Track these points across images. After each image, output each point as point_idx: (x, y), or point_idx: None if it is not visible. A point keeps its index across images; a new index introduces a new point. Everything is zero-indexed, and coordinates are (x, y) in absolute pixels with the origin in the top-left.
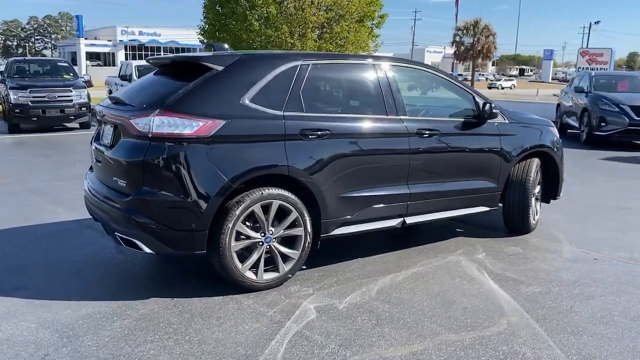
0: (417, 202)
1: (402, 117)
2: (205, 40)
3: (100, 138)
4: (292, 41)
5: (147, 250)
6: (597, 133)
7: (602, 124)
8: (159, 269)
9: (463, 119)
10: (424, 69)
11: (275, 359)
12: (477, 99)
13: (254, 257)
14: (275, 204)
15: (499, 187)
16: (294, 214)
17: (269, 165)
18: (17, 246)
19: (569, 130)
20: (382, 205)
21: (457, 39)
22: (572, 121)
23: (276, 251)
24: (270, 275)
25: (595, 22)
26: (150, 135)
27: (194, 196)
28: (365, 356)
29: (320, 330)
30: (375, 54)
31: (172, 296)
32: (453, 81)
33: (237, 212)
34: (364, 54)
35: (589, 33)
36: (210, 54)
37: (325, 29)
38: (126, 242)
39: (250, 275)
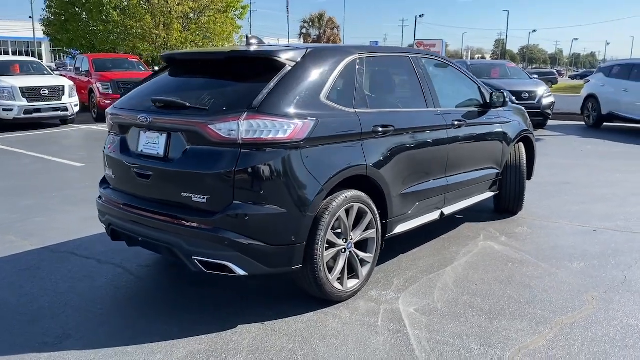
0: (451, 193)
1: (438, 108)
2: (50, 33)
3: (130, 148)
4: (157, 32)
5: (241, 272)
6: None
7: None
8: (209, 294)
9: (476, 108)
10: (441, 59)
11: None
12: (482, 88)
13: (340, 266)
14: (355, 207)
15: (501, 172)
16: (369, 216)
17: (353, 165)
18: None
19: None
20: (429, 198)
21: (304, 31)
22: None
23: (355, 257)
24: (351, 283)
25: (420, 16)
26: (240, 142)
27: (293, 206)
28: (517, 352)
29: (449, 334)
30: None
31: (259, 320)
32: (462, 71)
33: (327, 219)
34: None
35: (415, 25)
36: (273, 46)
37: (191, 20)
38: (209, 267)
39: (337, 285)
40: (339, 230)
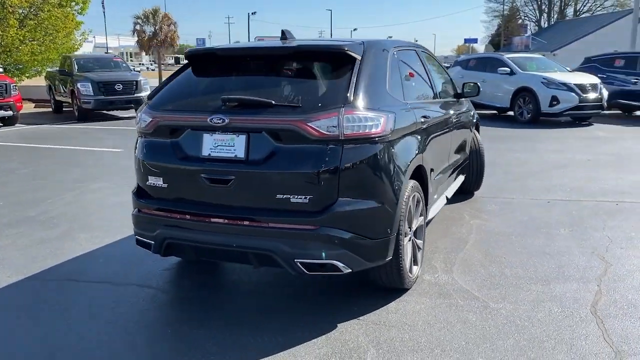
0: (450, 178)
1: (442, 99)
2: None
3: (187, 152)
4: None
5: (346, 270)
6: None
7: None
8: (268, 302)
9: (455, 98)
10: (429, 53)
11: None
12: (453, 80)
13: (410, 254)
14: (416, 196)
15: (469, 157)
16: (422, 204)
17: (417, 156)
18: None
19: None
20: (442, 184)
21: (138, 27)
22: None
23: (416, 244)
24: (414, 270)
25: (252, 13)
26: (342, 138)
27: (388, 199)
28: (593, 309)
29: (526, 302)
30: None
31: (351, 317)
32: (441, 63)
33: (405, 209)
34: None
35: (248, 22)
36: (335, 40)
37: (28, 15)
38: (311, 268)
39: (408, 273)
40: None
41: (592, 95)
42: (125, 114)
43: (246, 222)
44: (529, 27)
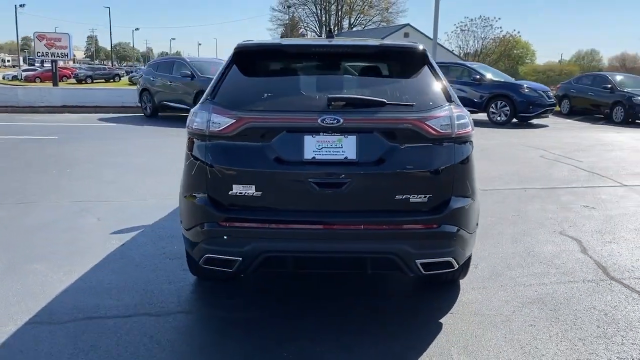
0: None
1: None
2: None
3: (282, 156)
4: None
5: (456, 265)
6: None
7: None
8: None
9: None
10: None
11: None
12: None
13: None
14: None
15: None
16: None
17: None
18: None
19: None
20: None
21: None
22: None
23: None
24: None
25: (20, 5)
26: (454, 136)
27: (476, 193)
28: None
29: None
30: None
31: (469, 312)
32: None
33: None
34: None
35: (16, 16)
36: (401, 42)
37: None
38: (428, 267)
39: None
40: None
41: None
42: None
43: (363, 226)
44: (310, 37)
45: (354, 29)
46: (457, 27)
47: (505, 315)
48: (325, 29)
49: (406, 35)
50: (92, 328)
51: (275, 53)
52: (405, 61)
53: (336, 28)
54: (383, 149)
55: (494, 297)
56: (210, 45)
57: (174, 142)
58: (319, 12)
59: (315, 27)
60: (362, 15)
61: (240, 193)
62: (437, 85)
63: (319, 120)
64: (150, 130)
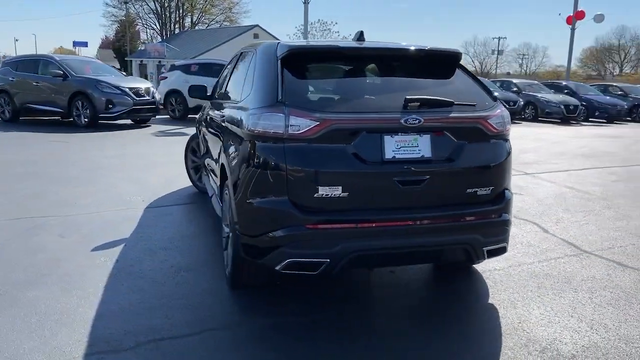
0: None
1: None
2: None
3: (364, 157)
4: None
5: (507, 249)
6: (103, 115)
7: (110, 105)
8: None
9: None
10: None
11: None
12: None
13: None
14: None
15: None
16: None
17: None
18: None
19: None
20: None
21: None
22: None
23: None
24: None
25: None
26: (504, 133)
27: None
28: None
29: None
30: None
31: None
32: None
33: None
34: None
35: None
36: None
37: None
38: (491, 253)
39: None
40: None
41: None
42: None
43: (442, 220)
44: (148, 34)
45: (197, 27)
46: (298, 30)
47: (533, 287)
48: (167, 27)
49: (256, 36)
50: (169, 349)
51: (330, 55)
52: (447, 64)
53: (177, 26)
54: (452, 146)
55: (512, 275)
56: (29, 41)
57: (62, 148)
58: (158, 9)
59: (155, 25)
60: (204, 14)
61: (326, 195)
62: (482, 86)
63: (401, 121)
64: (20, 137)
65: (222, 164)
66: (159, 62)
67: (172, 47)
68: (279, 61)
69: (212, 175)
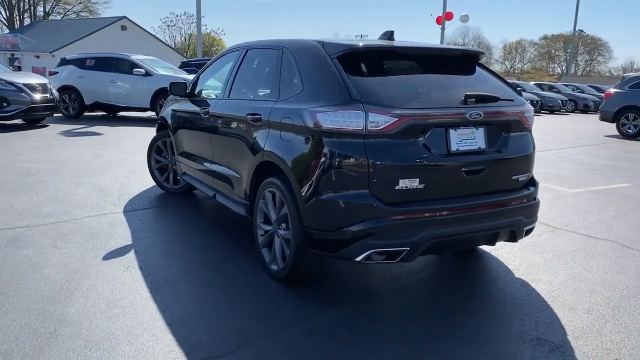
0: None
1: None
2: None
3: (432, 150)
4: None
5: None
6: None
7: (4, 104)
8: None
9: None
10: None
11: None
12: None
13: None
14: None
15: None
16: None
17: None
18: None
19: None
20: None
21: None
22: None
23: None
24: None
25: None
26: (531, 124)
27: None
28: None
29: None
30: None
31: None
32: None
33: None
34: None
35: None
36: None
37: None
38: (528, 233)
39: None
40: None
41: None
42: None
43: (498, 205)
44: None
45: (50, 17)
46: (163, 22)
47: (548, 266)
48: (15, 16)
49: (124, 28)
50: (269, 348)
51: (385, 54)
52: (475, 62)
53: (28, 16)
54: (500, 138)
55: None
56: None
57: None
58: None
59: (3, 14)
60: (59, 3)
61: (405, 187)
62: (507, 83)
63: (466, 115)
64: None
65: (263, 162)
66: (12, 54)
67: (27, 38)
68: (336, 60)
69: (219, 173)
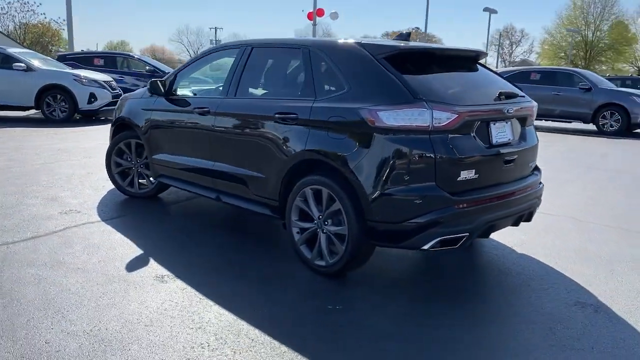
0: None
1: None
2: None
3: (477, 143)
4: None
5: None
6: None
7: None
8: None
9: None
10: None
11: None
12: None
13: None
14: None
15: None
16: None
17: None
18: None
19: None
20: None
21: None
22: None
23: None
24: None
25: None
26: (533, 119)
27: None
28: None
29: None
30: None
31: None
32: None
33: None
34: None
35: None
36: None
37: None
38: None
39: None
40: None
41: (114, 92)
42: None
43: (527, 190)
44: None
45: None
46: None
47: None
48: None
49: None
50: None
51: (424, 55)
52: (479, 61)
53: None
54: (519, 130)
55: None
56: None
57: None
58: None
59: None
60: None
61: (465, 178)
62: (500, 79)
63: (505, 111)
64: None
65: (304, 161)
66: None
67: None
68: (383, 60)
69: (226, 173)
